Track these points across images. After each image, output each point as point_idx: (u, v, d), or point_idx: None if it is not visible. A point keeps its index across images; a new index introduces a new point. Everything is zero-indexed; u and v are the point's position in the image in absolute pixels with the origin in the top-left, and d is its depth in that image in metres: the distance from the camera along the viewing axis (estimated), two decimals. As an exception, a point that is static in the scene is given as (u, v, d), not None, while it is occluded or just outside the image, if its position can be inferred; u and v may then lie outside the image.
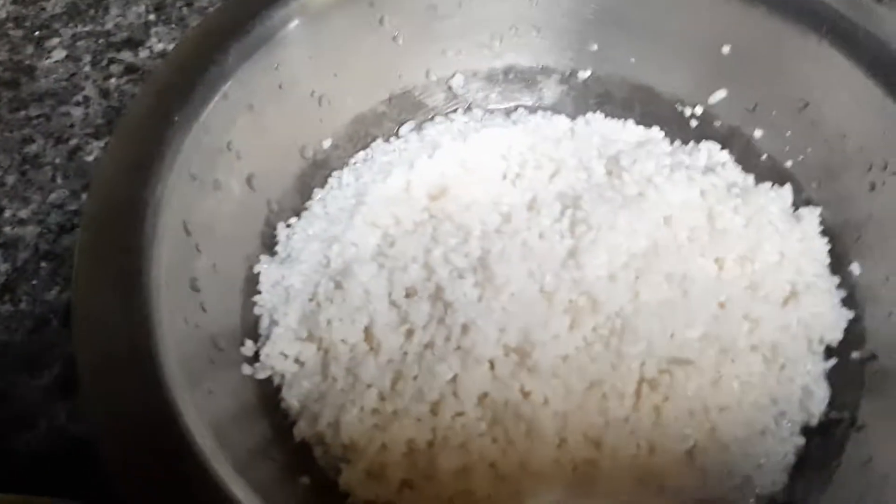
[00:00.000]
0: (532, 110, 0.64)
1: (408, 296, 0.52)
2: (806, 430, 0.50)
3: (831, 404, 0.50)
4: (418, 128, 0.64)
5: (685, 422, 0.48)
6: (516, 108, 0.64)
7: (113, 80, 0.74)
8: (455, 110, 0.64)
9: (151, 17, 0.78)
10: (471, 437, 0.47)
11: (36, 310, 0.60)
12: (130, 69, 0.74)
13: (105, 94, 0.73)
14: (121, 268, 0.42)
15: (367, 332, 0.52)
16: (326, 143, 0.61)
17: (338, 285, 0.53)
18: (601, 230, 0.51)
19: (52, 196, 0.66)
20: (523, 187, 0.56)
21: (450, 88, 0.64)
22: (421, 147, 0.61)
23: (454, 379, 0.49)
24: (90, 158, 0.69)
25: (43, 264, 0.62)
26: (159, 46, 0.76)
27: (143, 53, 0.76)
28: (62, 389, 0.56)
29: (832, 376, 0.51)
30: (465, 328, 0.49)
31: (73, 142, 0.69)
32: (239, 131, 0.52)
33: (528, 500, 0.46)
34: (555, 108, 0.63)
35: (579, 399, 0.48)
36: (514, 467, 0.48)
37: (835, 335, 0.51)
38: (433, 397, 0.48)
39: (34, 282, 0.61)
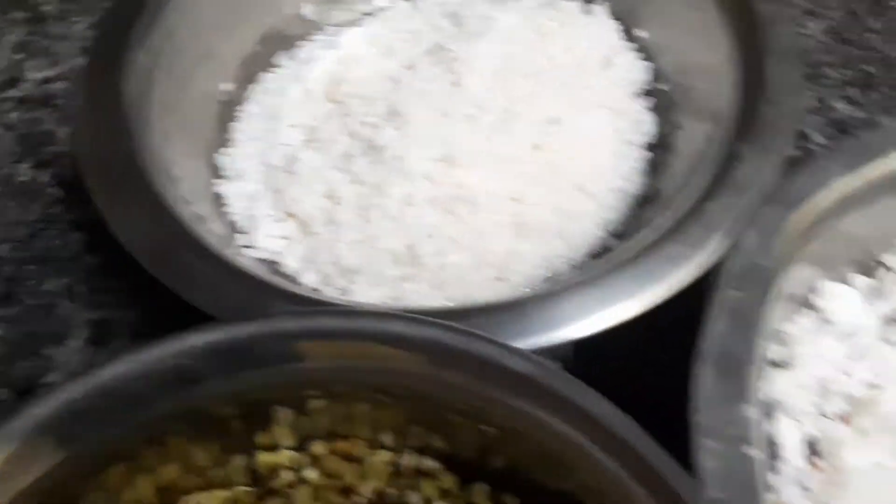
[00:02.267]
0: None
1: (345, 158, 0.67)
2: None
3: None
4: (292, 56, 0.78)
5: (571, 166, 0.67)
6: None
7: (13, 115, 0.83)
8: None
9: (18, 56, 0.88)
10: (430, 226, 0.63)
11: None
12: (23, 101, 0.84)
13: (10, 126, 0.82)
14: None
15: (329, 195, 0.67)
16: (227, 87, 0.74)
17: (288, 172, 0.68)
18: (470, 59, 0.68)
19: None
20: (399, 58, 0.72)
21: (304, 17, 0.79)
22: (302, 63, 0.76)
23: (407, 196, 0.64)
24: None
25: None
26: (39, 76, 0.86)
27: (27, 85, 0.86)
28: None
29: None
30: (398, 158, 0.65)
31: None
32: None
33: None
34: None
35: (497, 175, 0.65)
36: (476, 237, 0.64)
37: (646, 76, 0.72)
38: (396, 212, 0.64)
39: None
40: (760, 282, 0.53)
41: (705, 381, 0.49)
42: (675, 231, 0.55)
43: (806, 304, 0.61)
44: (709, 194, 0.56)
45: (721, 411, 0.49)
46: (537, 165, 0.66)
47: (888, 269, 0.62)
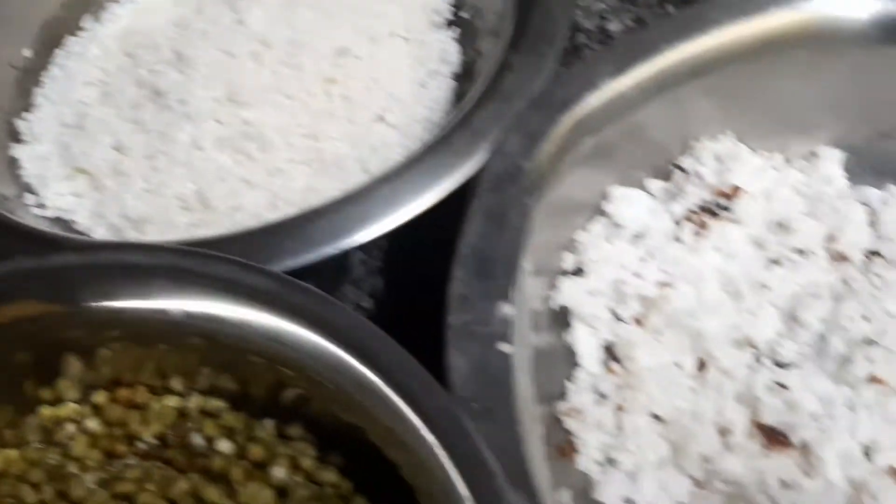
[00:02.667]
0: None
1: (133, 107, 0.65)
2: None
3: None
4: (98, 18, 0.76)
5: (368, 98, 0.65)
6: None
7: None
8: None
9: None
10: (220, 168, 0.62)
11: None
12: None
13: None
14: None
15: (117, 147, 0.65)
16: (27, 52, 0.72)
17: (79, 128, 0.66)
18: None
19: None
20: (190, 4, 0.70)
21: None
22: (105, 22, 0.74)
23: (194, 140, 0.63)
24: None
25: None
26: None
27: None
28: None
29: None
30: (183, 101, 0.63)
31: None
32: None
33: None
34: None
35: (288, 112, 0.64)
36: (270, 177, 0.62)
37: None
38: (184, 158, 0.62)
39: None
40: (523, 184, 0.52)
41: (461, 283, 0.48)
42: (442, 142, 0.53)
43: (598, 211, 0.60)
44: (477, 104, 0.55)
45: (476, 311, 0.47)
46: (331, 99, 0.64)
47: (684, 171, 0.62)
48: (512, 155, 0.52)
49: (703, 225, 0.58)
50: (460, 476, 0.41)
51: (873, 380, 0.51)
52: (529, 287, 0.55)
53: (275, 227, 0.51)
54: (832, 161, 0.62)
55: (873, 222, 0.61)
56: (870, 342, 0.52)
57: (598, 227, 0.59)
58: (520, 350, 0.48)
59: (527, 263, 0.53)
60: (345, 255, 0.64)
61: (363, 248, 0.64)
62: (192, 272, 0.46)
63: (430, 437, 0.42)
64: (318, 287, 0.46)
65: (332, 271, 0.64)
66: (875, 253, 0.59)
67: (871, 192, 0.62)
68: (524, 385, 0.49)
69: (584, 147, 0.55)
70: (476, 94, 0.56)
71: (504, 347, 0.46)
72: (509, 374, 0.46)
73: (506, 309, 0.47)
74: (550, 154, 0.53)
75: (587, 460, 0.53)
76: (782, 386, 0.51)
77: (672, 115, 0.60)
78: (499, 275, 0.48)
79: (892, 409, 0.50)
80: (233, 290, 0.46)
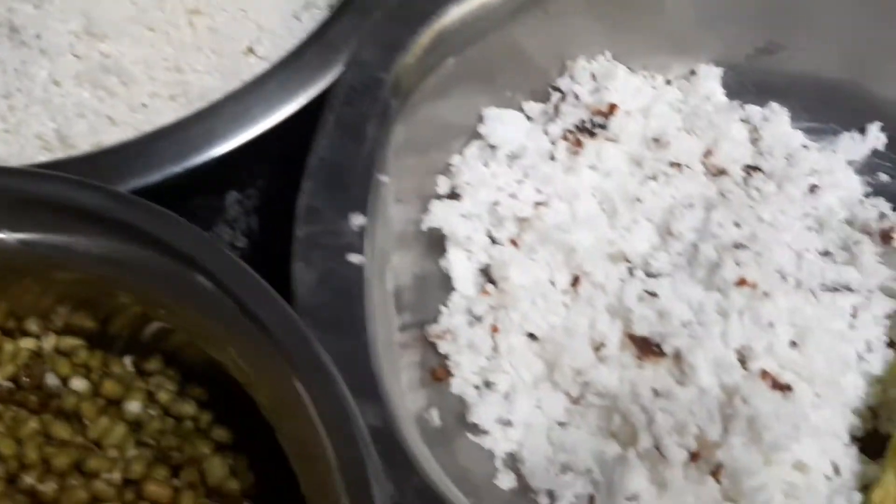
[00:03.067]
0: None
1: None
2: None
3: None
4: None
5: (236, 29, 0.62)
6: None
7: None
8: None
9: None
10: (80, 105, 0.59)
11: None
12: None
13: None
14: None
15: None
16: None
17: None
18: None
19: None
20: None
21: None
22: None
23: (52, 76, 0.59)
24: None
25: None
26: None
27: None
28: None
29: None
30: (38, 36, 0.60)
31: None
32: None
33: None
34: None
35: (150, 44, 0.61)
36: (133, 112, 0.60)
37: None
38: (42, 95, 0.59)
39: None
40: (381, 96, 0.50)
41: (310, 195, 0.46)
42: (294, 57, 0.51)
43: (475, 135, 0.58)
44: (333, 17, 0.52)
45: (325, 223, 0.45)
46: (196, 31, 0.62)
47: (562, 93, 0.60)
48: (369, 67, 0.50)
49: (578, 143, 0.56)
50: (300, 382, 0.39)
51: (741, 282, 0.49)
52: (399, 211, 0.53)
53: (119, 148, 0.49)
54: (711, 78, 0.61)
55: (755, 139, 0.60)
56: (739, 246, 0.51)
57: (473, 149, 0.57)
58: (376, 265, 0.46)
59: (392, 183, 0.51)
60: (220, 196, 0.63)
61: (238, 188, 0.62)
62: (22, 195, 0.44)
63: (268, 346, 0.40)
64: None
65: (208, 212, 0.62)
66: (755, 168, 0.58)
67: (753, 110, 0.62)
68: (382, 300, 0.47)
69: (451, 63, 0.52)
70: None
71: (354, 258, 0.44)
72: (360, 284, 0.44)
73: (357, 220, 0.45)
74: (412, 67, 0.51)
75: (462, 383, 0.51)
76: (652, 294, 0.50)
77: (547, 33, 0.59)
78: (351, 187, 0.46)
79: (762, 313, 0.49)
80: (69, 211, 0.43)
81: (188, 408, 0.48)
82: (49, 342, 0.50)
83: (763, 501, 0.45)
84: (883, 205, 0.58)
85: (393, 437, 0.40)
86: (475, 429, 0.51)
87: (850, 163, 0.60)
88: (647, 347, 0.50)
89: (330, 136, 0.48)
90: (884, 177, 0.60)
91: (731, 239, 0.51)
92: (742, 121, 0.61)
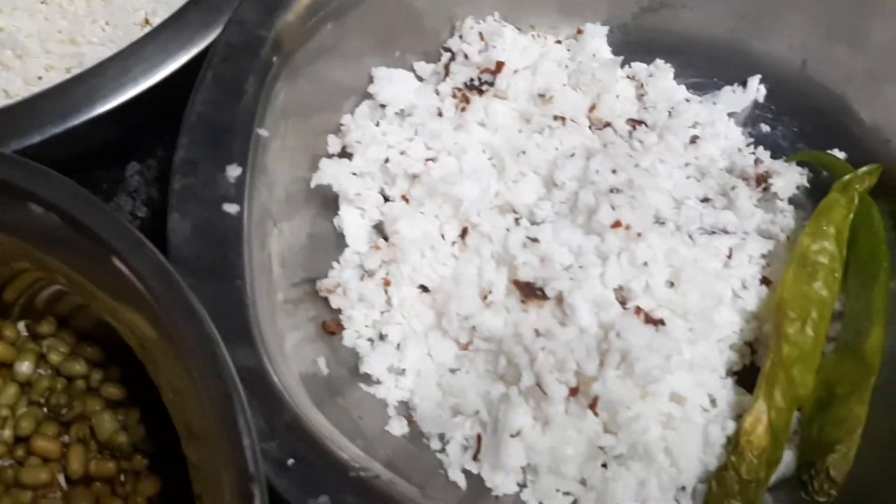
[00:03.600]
0: None
1: None
2: None
3: None
4: None
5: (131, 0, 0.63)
6: None
7: None
8: None
9: None
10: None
11: None
12: None
13: None
14: None
15: None
16: None
17: None
18: None
19: None
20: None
21: None
22: None
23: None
24: None
25: None
26: None
27: None
28: None
29: None
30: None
31: None
32: None
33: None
34: None
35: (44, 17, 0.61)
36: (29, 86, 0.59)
37: None
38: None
39: None
40: (262, 54, 0.50)
41: (187, 149, 0.47)
42: (176, 18, 0.52)
43: (365, 94, 0.59)
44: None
45: (203, 176, 0.46)
46: (91, 3, 0.62)
47: (452, 53, 0.62)
48: (249, 25, 0.51)
49: (466, 100, 0.58)
50: (169, 324, 0.39)
51: (616, 225, 0.51)
52: (290, 170, 0.54)
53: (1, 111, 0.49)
54: (597, 37, 0.63)
55: (641, 95, 0.62)
56: (615, 191, 0.53)
57: (363, 109, 0.58)
58: (256, 217, 0.47)
59: (279, 142, 0.52)
60: (120, 168, 0.63)
61: (138, 159, 0.63)
62: None
63: (139, 292, 0.40)
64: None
65: (109, 183, 0.62)
66: (639, 121, 0.60)
67: (639, 67, 0.63)
68: (268, 253, 0.48)
69: (336, 23, 0.53)
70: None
71: (230, 208, 0.45)
72: (238, 233, 0.44)
73: (234, 172, 0.46)
74: (294, 26, 0.52)
75: (354, 336, 0.52)
76: (534, 240, 0.52)
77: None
78: (230, 141, 0.47)
79: (638, 255, 0.51)
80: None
81: (79, 367, 0.49)
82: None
83: (639, 431, 0.47)
84: (762, 153, 0.60)
85: (265, 377, 0.41)
86: (368, 379, 0.52)
87: (731, 115, 0.62)
88: (530, 292, 0.51)
89: (208, 91, 0.48)
90: (765, 127, 0.62)
91: (608, 185, 0.53)
92: (628, 77, 0.63)
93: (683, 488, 0.48)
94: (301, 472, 0.39)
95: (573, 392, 0.48)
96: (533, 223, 0.54)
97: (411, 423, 0.51)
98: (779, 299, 0.52)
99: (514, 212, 0.55)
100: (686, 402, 0.49)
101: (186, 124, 0.47)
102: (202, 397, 0.38)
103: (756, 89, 0.63)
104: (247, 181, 0.47)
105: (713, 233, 0.55)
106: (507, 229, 0.54)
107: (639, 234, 0.51)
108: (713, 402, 0.51)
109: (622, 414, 0.47)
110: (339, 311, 0.53)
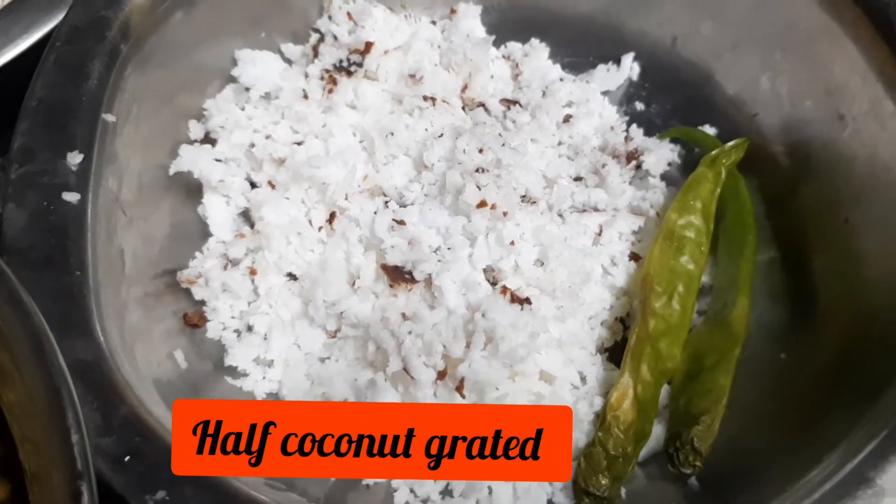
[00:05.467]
0: None
1: None
2: None
3: None
4: None
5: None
6: None
7: None
8: None
9: None
10: None
11: None
12: None
13: None
14: None
15: None
16: None
17: None
18: None
19: None
20: None
21: None
22: None
23: None
24: None
25: None
26: None
27: None
28: None
29: None
30: None
31: None
32: None
33: None
34: None
35: None
36: None
37: None
38: None
39: None
40: (109, 36, 0.48)
41: (25, 136, 0.44)
42: (19, 2, 0.49)
43: (229, 78, 0.57)
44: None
45: (41, 163, 0.44)
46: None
47: (321, 34, 0.60)
48: (94, 6, 0.48)
49: (333, 81, 0.56)
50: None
51: (482, 204, 0.51)
52: (148, 157, 0.52)
53: None
54: (470, 16, 0.62)
55: (516, 74, 0.62)
56: (481, 170, 0.52)
57: (227, 93, 0.56)
58: (104, 205, 0.45)
59: (133, 129, 0.50)
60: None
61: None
62: None
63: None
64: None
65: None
66: (514, 102, 0.60)
67: (514, 46, 0.63)
68: (121, 243, 0.46)
69: (192, 7, 0.51)
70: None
71: (70, 197, 0.43)
72: (79, 222, 0.42)
73: (75, 159, 0.44)
74: (144, 9, 0.50)
75: (218, 327, 0.51)
76: (401, 223, 0.51)
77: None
78: (71, 125, 0.45)
79: (505, 234, 0.51)
80: None
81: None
82: None
83: (507, 412, 0.46)
84: (634, 131, 0.60)
85: (104, 370, 0.39)
86: (234, 372, 0.50)
87: (606, 93, 0.62)
88: (398, 276, 0.50)
89: (49, 75, 0.46)
90: (639, 105, 0.63)
91: (475, 164, 0.52)
92: (504, 57, 0.63)
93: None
94: (138, 467, 0.37)
95: (441, 375, 0.47)
96: (402, 206, 0.53)
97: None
98: (645, 274, 0.52)
99: (384, 195, 0.54)
100: (555, 381, 0.49)
101: (26, 110, 0.45)
102: (30, 391, 0.36)
103: (630, 67, 0.63)
104: (91, 168, 0.44)
105: (584, 210, 0.55)
106: (375, 213, 0.53)
107: (505, 214, 0.51)
108: (583, 379, 0.51)
109: (490, 394, 0.47)
110: (203, 302, 0.52)
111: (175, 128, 0.54)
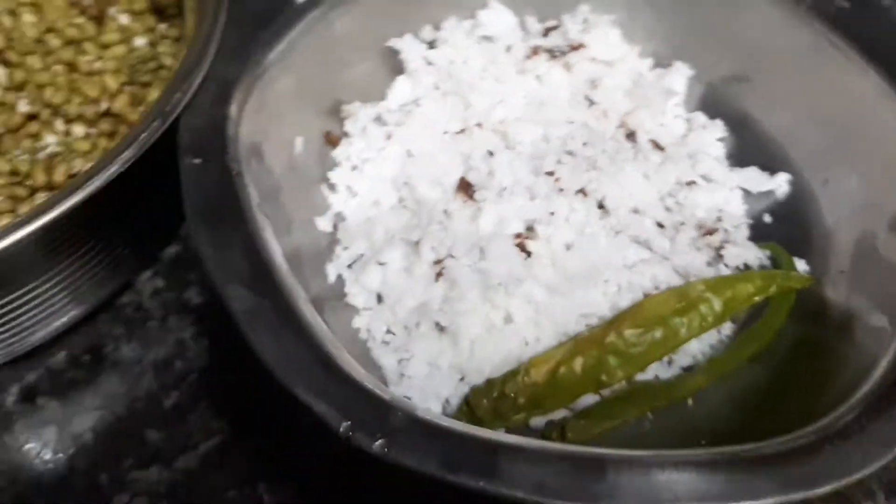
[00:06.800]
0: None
1: None
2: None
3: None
4: None
5: None
6: None
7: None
8: None
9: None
10: None
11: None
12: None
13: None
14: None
15: None
16: None
17: None
18: None
19: None
20: None
21: None
22: None
23: None
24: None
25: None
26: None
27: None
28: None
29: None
30: None
31: None
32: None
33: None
34: None
35: None
36: None
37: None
38: None
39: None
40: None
41: None
42: None
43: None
44: None
45: None
46: None
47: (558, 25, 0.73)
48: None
49: (536, 52, 0.69)
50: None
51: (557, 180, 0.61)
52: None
53: None
54: (677, 75, 0.71)
55: (683, 135, 0.70)
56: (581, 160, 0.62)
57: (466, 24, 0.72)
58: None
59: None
60: None
61: None
62: None
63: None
64: None
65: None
66: (660, 147, 0.68)
67: (698, 117, 0.71)
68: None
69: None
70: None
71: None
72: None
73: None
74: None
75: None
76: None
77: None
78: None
79: (558, 209, 0.61)
80: None
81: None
82: None
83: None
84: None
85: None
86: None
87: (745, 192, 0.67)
88: (467, 190, 0.62)
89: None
90: (767, 218, 0.67)
91: (580, 156, 0.64)
92: (676, 117, 0.70)
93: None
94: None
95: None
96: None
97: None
98: (637, 303, 0.57)
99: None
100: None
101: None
102: None
103: (779, 185, 0.67)
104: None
105: (638, 242, 0.62)
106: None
107: (576, 193, 0.60)
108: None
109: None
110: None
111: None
